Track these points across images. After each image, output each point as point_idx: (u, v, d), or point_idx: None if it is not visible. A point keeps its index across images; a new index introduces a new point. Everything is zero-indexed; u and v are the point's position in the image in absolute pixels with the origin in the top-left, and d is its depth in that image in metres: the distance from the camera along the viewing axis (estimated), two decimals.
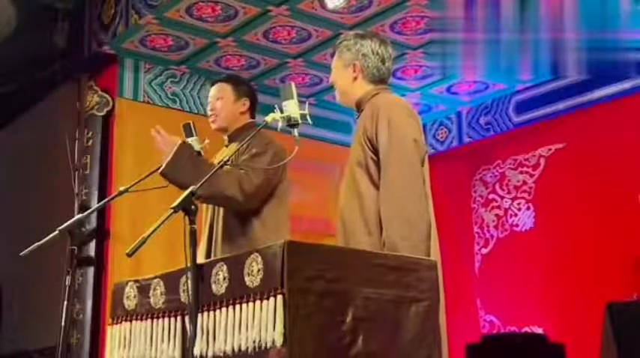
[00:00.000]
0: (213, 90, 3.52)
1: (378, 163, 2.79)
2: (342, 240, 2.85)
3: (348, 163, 2.94)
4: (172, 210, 2.33)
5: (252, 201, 3.19)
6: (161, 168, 3.10)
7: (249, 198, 3.16)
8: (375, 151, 2.80)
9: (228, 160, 2.82)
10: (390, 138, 2.75)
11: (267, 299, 2.06)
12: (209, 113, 3.50)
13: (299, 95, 2.73)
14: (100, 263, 5.56)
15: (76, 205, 5.59)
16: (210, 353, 2.20)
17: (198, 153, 3.27)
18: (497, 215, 6.70)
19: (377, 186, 2.79)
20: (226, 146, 3.48)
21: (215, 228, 3.32)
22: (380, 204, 2.74)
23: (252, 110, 3.50)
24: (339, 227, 2.89)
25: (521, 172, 6.58)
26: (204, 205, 3.40)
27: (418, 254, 2.57)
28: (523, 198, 6.53)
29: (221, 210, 3.32)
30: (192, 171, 3.05)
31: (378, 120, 2.80)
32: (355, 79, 2.99)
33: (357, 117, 3.03)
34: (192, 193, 2.37)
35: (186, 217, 2.34)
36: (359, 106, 3.00)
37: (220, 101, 3.46)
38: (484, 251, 6.74)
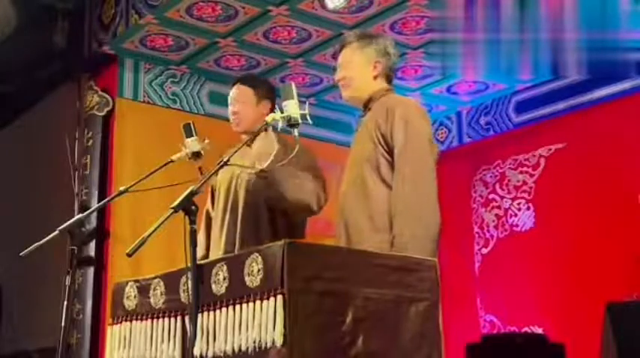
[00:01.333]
0: (233, 94, 3.51)
1: (389, 161, 2.80)
2: (344, 239, 2.84)
3: (352, 162, 2.94)
4: (172, 210, 2.34)
5: (320, 211, 3.32)
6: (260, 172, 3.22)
7: (320, 209, 3.29)
8: (389, 149, 2.81)
9: (228, 159, 2.82)
10: (407, 136, 2.78)
11: (267, 299, 2.07)
12: (231, 117, 3.49)
13: (299, 95, 2.73)
14: (100, 263, 5.56)
15: (76, 205, 5.59)
16: (210, 353, 2.21)
17: (199, 153, 3.27)
18: (497, 215, 6.70)
19: (386, 184, 2.79)
20: (248, 145, 3.41)
21: (239, 227, 3.32)
22: (392, 200, 2.75)
23: (273, 110, 3.51)
24: (341, 225, 2.88)
25: (521, 172, 6.57)
26: (221, 205, 3.40)
27: (426, 253, 2.57)
28: (523, 198, 6.52)
29: (249, 211, 3.32)
30: (287, 175, 3.19)
31: (394, 119, 2.82)
32: (376, 77, 3.01)
33: (362, 115, 3.04)
34: (192, 193, 2.38)
35: (187, 217, 2.34)
36: (367, 105, 3.01)
37: (242, 105, 3.47)
38: (484, 251, 6.74)
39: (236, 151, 2.87)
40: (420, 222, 2.66)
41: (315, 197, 3.23)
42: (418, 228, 2.65)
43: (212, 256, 3.36)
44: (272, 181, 3.17)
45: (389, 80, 3.05)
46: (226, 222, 3.36)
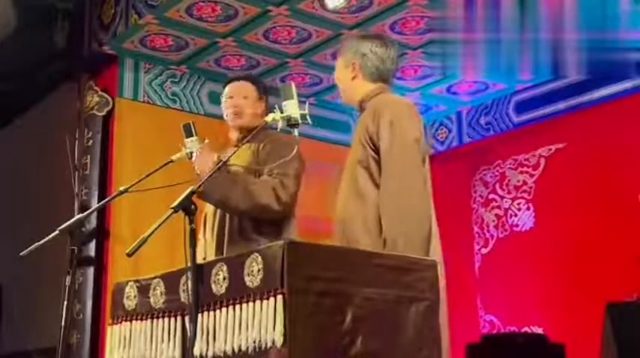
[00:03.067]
0: (234, 88, 3.51)
1: (379, 163, 2.80)
2: (340, 240, 2.85)
3: (348, 163, 2.95)
4: (172, 210, 2.34)
5: (289, 208, 3.26)
6: (197, 192, 3.13)
7: (286, 207, 3.22)
8: (377, 150, 2.81)
9: (227, 160, 2.83)
10: (392, 136, 2.77)
11: (267, 299, 2.06)
12: (230, 109, 3.46)
13: (299, 95, 2.73)
14: (100, 263, 5.56)
15: (76, 205, 5.59)
16: (210, 353, 2.20)
17: (192, 153, 3.26)
18: (497, 215, 6.70)
19: (377, 186, 2.80)
20: (237, 146, 3.42)
21: (227, 226, 3.31)
22: (380, 200, 2.75)
23: (267, 110, 3.51)
24: (338, 227, 2.89)
25: (521, 172, 6.58)
26: (212, 208, 3.39)
27: (418, 252, 2.57)
28: (523, 198, 6.53)
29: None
30: (227, 188, 3.13)
31: (380, 119, 2.81)
32: (354, 77, 3.03)
33: (359, 116, 3.05)
34: (192, 192, 2.38)
35: (186, 217, 2.34)
36: (361, 105, 3.03)
37: (245, 100, 3.47)
38: (484, 251, 6.74)
39: (235, 151, 2.87)
40: (408, 222, 2.66)
41: (273, 196, 3.17)
42: (407, 228, 2.65)
43: (207, 257, 3.36)
44: (221, 198, 3.17)
45: (376, 79, 3.02)
46: (217, 223, 3.36)
